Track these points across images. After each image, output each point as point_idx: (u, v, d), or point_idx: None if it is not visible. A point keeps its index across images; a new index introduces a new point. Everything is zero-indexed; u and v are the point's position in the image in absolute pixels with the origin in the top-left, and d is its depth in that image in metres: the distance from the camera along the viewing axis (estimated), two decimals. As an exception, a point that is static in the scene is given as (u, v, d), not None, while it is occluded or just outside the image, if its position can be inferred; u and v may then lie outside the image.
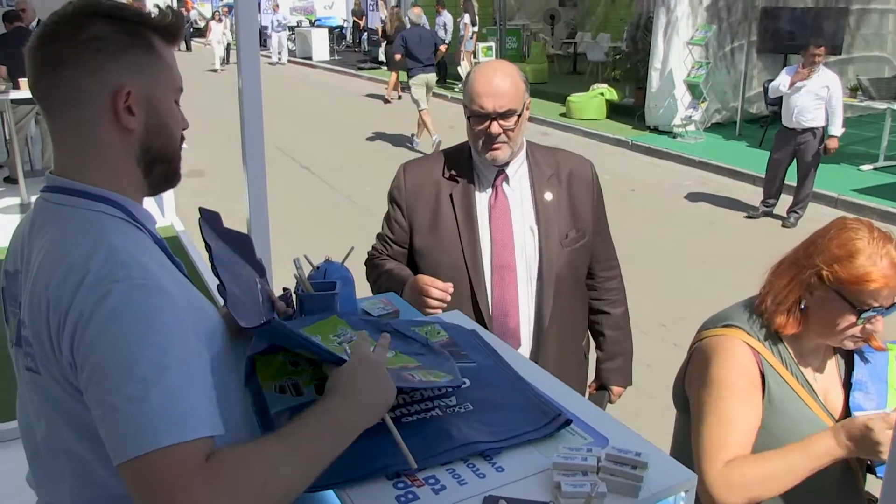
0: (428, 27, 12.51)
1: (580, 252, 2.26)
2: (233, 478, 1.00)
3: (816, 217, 7.98)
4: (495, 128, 2.11)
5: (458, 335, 1.70)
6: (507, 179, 2.23)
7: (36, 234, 1.18)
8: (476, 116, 2.13)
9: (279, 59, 24.63)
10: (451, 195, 2.23)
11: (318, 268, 1.85)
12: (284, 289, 1.77)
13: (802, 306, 1.77)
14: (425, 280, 2.06)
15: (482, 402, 1.41)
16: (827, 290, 1.72)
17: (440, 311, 2.03)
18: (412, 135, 11.88)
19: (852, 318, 1.70)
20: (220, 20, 24.71)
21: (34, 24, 8.62)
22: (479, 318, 2.15)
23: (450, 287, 2.05)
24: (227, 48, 23.82)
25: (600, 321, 2.43)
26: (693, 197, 8.92)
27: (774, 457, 1.69)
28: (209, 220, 1.68)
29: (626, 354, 2.48)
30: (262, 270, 1.67)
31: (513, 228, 2.20)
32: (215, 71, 22.91)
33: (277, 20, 24.79)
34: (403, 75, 12.49)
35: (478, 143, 2.17)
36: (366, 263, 2.39)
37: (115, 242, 1.10)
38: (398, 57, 11.46)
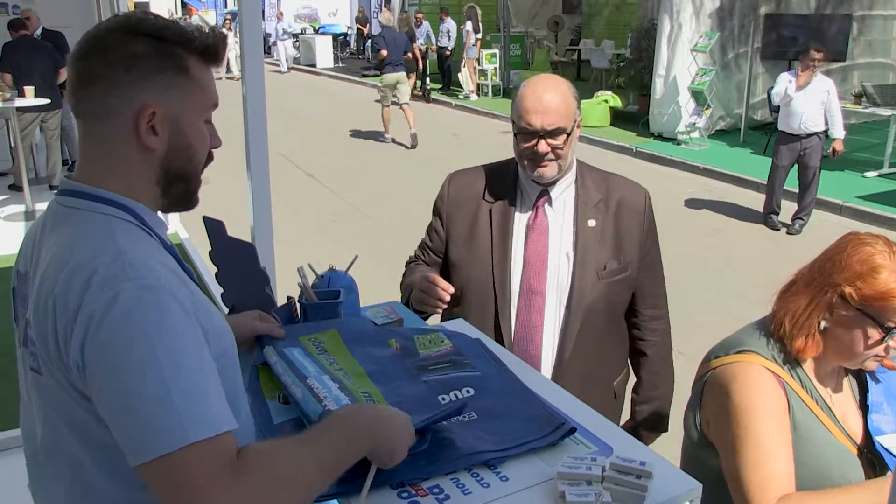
0: (397, 31, 13.58)
1: (620, 286, 2.11)
2: (261, 475, 1.03)
3: (820, 224, 7.98)
4: (543, 146, 2.00)
5: (462, 344, 1.70)
6: (549, 201, 2.11)
7: (46, 235, 1.19)
8: (523, 133, 2.03)
9: (286, 68, 24.45)
10: (490, 210, 2.14)
11: (322, 276, 1.86)
12: (288, 297, 1.77)
13: (822, 328, 1.69)
14: (428, 278, 2.04)
15: (486, 412, 1.41)
16: (850, 310, 1.64)
17: (438, 310, 2.04)
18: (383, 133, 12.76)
19: (878, 337, 1.63)
20: (229, 28, 24.36)
21: (38, 31, 8.65)
22: (500, 340, 2.06)
23: (450, 288, 2.01)
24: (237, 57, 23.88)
25: (638, 362, 2.27)
26: (697, 204, 8.92)
27: (838, 495, 1.58)
28: (213, 228, 1.69)
29: (663, 399, 2.29)
30: (265, 279, 1.67)
31: (548, 252, 2.08)
32: (219, 79, 23.04)
33: (283, 28, 24.59)
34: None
35: (524, 160, 2.07)
36: (404, 267, 2.37)
37: (123, 244, 1.11)
38: (383, 53, 12.21)
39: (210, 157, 1.29)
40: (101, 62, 1.16)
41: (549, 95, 2.01)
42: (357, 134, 13.57)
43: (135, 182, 1.20)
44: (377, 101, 12.47)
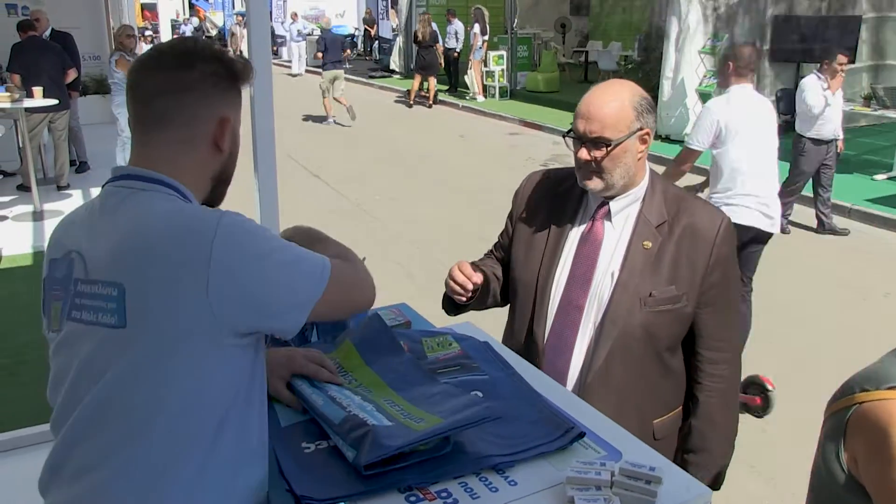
0: (335, 33, 16.08)
1: (667, 318, 1.92)
2: (350, 260, 1.45)
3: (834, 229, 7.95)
4: (583, 153, 1.89)
5: (470, 347, 1.69)
6: (609, 215, 1.98)
7: (108, 212, 1.30)
8: (572, 137, 1.94)
9: (301, 69, 24.00)
10: (552, 215, 2.06)
11: (329, 278, 1.85)
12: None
13: None
14: (458, 265, 2.01)
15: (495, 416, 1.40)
16: None
17: (462, 298, 2.01)
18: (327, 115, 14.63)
19: None
20: (243, 27, 24.14)
21: (47, 32, 8.69)
22: (532, 348, 1.99)
23: (474, 277, 1.98)
24: None
25: (691, 408, 2.04)
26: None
27: None
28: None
29: (712, 453, 2.03)
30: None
31: (595, 268, 1.96)
32: None
33: (298, 30, 24.24)
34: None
35: (576, 166, 1.96)
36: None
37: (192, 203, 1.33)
38: (318, 55, 14.51)
39: None
40: (195, 76, 1.35)
41: (602, 100, 1.88)
42: (363, 135, 13.58)
43: (198, 178, 1.38)
44: (322, 92, 14.55)
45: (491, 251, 2.28)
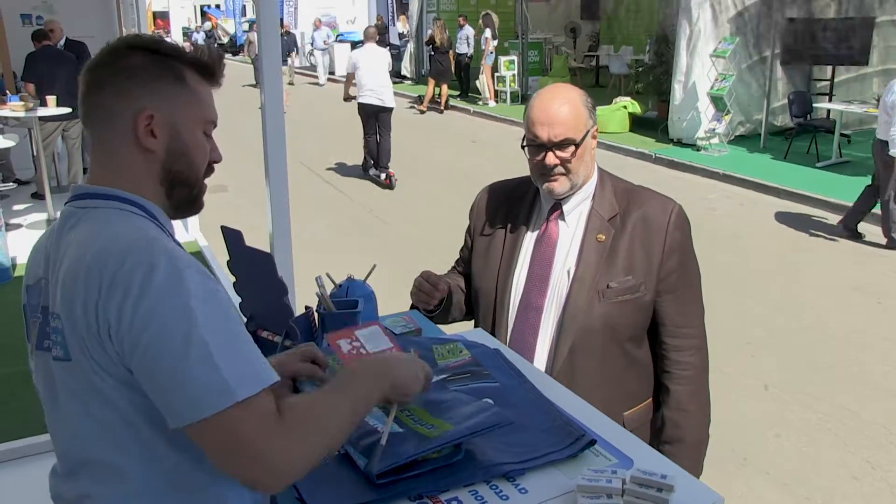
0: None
1: (626, 308, 1.94)
2: (303, 423, 1.11)
3: (844, 231, 7.89)
4: (550, 158, 1.91)
5: (481, 355, 1.69)
6: (562, 215, 2.01)
7: (63, 236, 1.24)
8: (531, 146, 1.95)
9: (324, 80, 23.10)
10: (507, 223, 2.09)
11: (340, 286, 1.86)
12: (306, 307, 1.77)
13: None
14: (423, 274, 2.05)
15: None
16: None
17: (429, 306, 2.04)
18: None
19: None
20: (286, 33, 23.34)
21: (62, 42, 8.75)
22: None
23: (440, 285, 2.02)
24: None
25: (662, 398, 2.05)
26: (717, 210, 8.86)
27: None
28: (231, 238, 1.69)
29: (689, 444, 2.02)
30: (283, 289, 1.67)
31: (552, 268, 1.98)
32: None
33: (322, 38, 23.43)
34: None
35: (534, 173, 1.99)
36: None
37: (145, 228, 1.19)
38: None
39: (210, 170, 1.35)
40: (106, 72, 1.26)
41: (555, 105, 1.92)
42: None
43: (141, 182, 1.27)
44: None
45: (454, 266, 2.32)
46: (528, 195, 2.08)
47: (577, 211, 2.01)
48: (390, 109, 10.42)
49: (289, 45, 23.57)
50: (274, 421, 1.08)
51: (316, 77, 23.45)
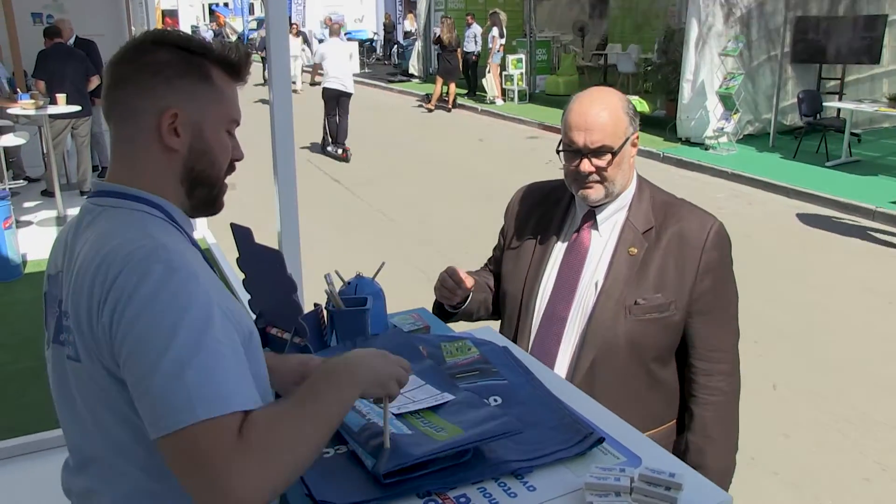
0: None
1: (654, 327, 1.85)
2: (265, 442, 1.05)
3: (851, 229, 7.87)
4: (585, 165, 1.84)
5: (489, 352, 1.69)
6: (595, 223, 1.94)
7: (81, 233, 1.24)
8: (566, 151, 1.88)
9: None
10: (539, 227, 2.03)
11: (348, 283, 1.86)
12: (315, 304, 1.77)
13: None
14: (448, 270, 2.01)
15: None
16: None
17: (452, 301, 2.02)
18: None
19: None
20: (297, 33, 22.02)
21: (72, 40, 8.79)
22: None
23: (466, 282, 1.99)
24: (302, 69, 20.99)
25: (686, 422, 1.96)
26: (726, 209, 8.84)
27: None
28: (241, 235, 1.70)
29: (714, 471, 1.87)
30: (293, 286, 1.67)
31: (580, 278, 1.91)
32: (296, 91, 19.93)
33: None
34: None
35: (569, 179, 1.92)
36: None
37: (155, 233, 1.18)
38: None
39: (232, 168, 1.34)
40: (131, 68, 1.24)
41: (595, 110, 1.83)
42: (384, 140, 13.62)
43: (161, 181, 1.26)
44: None
45: (486, 264, 2.28)
46: (563, 200, 2.02)
47: (611, 221, 1.94)
48: (350, 94, 11.89)
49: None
50: (234, 443, 1.03)
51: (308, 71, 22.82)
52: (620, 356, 1.85)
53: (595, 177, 1.85)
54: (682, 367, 1.95)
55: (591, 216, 1.94)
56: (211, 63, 1.26)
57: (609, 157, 1.83)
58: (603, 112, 1.83)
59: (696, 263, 1.86)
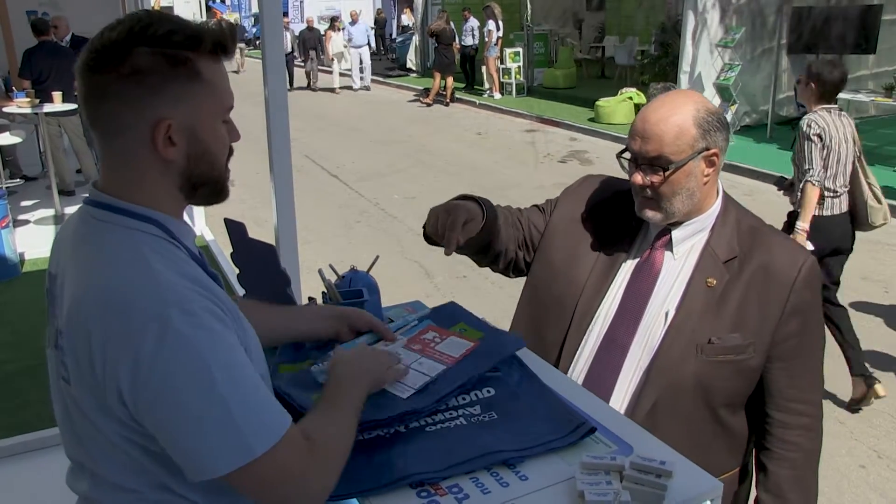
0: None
1: (727, 371, 1.64)
2: (324, 448, 1.17)
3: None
4: (637, 178, 1.65)
5: (483, 341, 1.70)
6: (670, 244, 1.72)
7: (78, 244, 1.20)
8: (626, 158, 1.70)
9: (360, 85, 19.77)
10: (605, 234, 1.80)
11: (343, 277, 1.87)
12: (310, 298, 1.78)
13: None
14: (449, 209, 1.68)
15: (507, 412, 1.41)
16: None
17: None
18: None
19: None
20: (339, 29, 19.94)
21: (68, 38, 8.76)
22: None
23: (461, 239, 1.64)
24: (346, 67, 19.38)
25: (758, 477, 1.77)
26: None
27: None
28: (235, 230, 1.70)
29: None
30: (286, 280, 1.68)
31: (648, 305, 1.69)
32: (335, 91, 19.11)
33: (364, 33, 19.81)
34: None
35: (632, 191, 1.71)
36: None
37: (154, 263, 1.12)
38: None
39: (230, 152, 1.27)
40: (109, 78, 1.12)
41: (659, 114, 1.63)
42: (382, 135, 13.62)
43: (158, 193, 1.20)
44: None
45: (516, 210, 1.95)
46: (633, 207, 1.75)
47: (688, 243, 1.72)
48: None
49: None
50: (306, 453, 1.14)
51: (348, 75, 19.98)
52: (687, 399, 1.64)
53: (648, 192, 1.65)
54: (754, 413, 1.75)
55: (666, 233, 1.72)
56: (197, 55, 1.15)
57: (662, 173, 1.62)
58: (669, 118, 1.61)
59: (783, 303, 1.64)
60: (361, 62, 19.66)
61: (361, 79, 19.84)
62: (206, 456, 1.07)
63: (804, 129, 4.27)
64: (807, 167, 4.25)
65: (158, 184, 1.19)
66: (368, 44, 19.73)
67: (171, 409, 1.06)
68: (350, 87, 19.61)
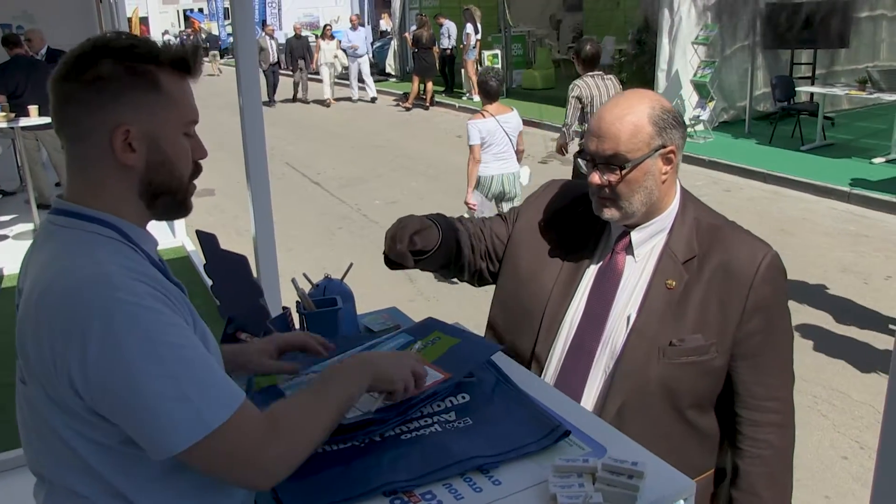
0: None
1: (692, 372, 1.63)
2: (287, 428, 1.17)
3: (828, 213, 7.95)
4: (594, 177, 1.63)
5: (457, 348, 1.70)
6: (630, 247, 1.71)
7: (36, 252, 1.23)
8: (584, 158, 1.67)
9: (363, 93, 18.56)
10: (568, 239, 1.78)
11: (317, 285, 1.87)
12: (284, 307, 1.78)
13: None
14: (399, 227, 1.70)
15: (482, 417, 1.41)
16: None
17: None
18: None
19: None
20: (331, 37, 18.62)
21: (43, 51, 8.69)
22: None
23: (402, 247, 1.67)
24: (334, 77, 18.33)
25: (731, 477, 1.75)
26: (704, 197, 8.88)
27: None
28: (206, 242, 1.70)
29: None
30: (259, 291, 1.68)
31: (611, 309, 1.68)
32: (326, 104, 18.06)
33: (365, 41, 18.60)
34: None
35: (590, 192, 1.70)
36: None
37: (100, 255, 1.15)
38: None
39: (198, 168, 1.30)
40: (74, 85, 1.18)
41: (615, 113, 1.61)
42: (362, 140, 13.60)
43: (118, 199, 1.22)
44: None
45: (461, 219, 1.93)
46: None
47: (648, 245, 1.70)
48: None
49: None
50: (263, 427, 1.14)
51: (343, 85, 18.98)
52: (653, 403, 1.63)
53: (606, 192, 1.63)
54: (723, 411, 1.74)
55: (625, 235, 1.71)
56: (158, 68, 1.20)
57: (619, 171, 1.60)
58: (625, 117, 1.60)
59: (743, 301, 1.63)
60: (360, 71, 18.37)
61: (362, 89, 18.61)
62: (163, 431, 1.08)
63: (568, 91, 5.98)
64: (567, 121, 6.12)
65: (118, 189, 1.22)
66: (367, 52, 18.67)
67: (123, 389, 1.08)
68: (349, 99, 18.57)
